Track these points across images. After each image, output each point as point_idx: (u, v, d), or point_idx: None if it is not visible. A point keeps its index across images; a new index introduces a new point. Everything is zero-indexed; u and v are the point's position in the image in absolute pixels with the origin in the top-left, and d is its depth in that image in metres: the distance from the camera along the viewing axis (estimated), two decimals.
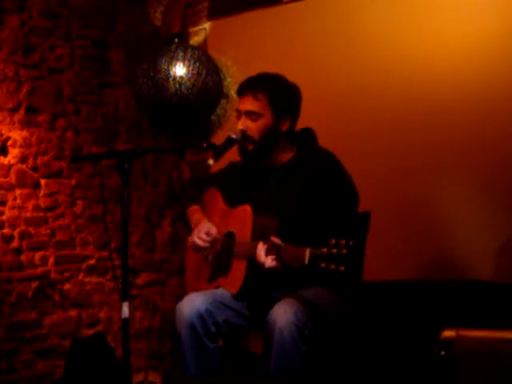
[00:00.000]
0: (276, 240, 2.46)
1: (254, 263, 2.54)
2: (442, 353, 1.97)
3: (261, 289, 2.67)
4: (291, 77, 2.81)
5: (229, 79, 3.95)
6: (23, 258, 3.76)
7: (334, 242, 2.23)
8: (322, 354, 2.59)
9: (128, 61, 4.17)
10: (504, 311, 2.66)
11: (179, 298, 2.89)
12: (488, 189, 3.17)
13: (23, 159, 3.78)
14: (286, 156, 2.77)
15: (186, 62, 3.72)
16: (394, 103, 3.41)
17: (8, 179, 3.73)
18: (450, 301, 2.78)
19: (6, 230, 3.70)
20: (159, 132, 4.22)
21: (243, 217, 2.68)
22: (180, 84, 3.70)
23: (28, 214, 3.79)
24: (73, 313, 3.92)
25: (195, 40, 4.19)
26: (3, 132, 3.71)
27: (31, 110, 3.81)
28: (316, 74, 3.64)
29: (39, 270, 3.82)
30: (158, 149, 4.22)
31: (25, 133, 3.78)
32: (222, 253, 2.79)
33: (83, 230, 3.99)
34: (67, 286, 3.91)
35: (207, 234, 2.73)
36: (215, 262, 2.83)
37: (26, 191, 3.79)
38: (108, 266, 4.03)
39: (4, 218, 3.70)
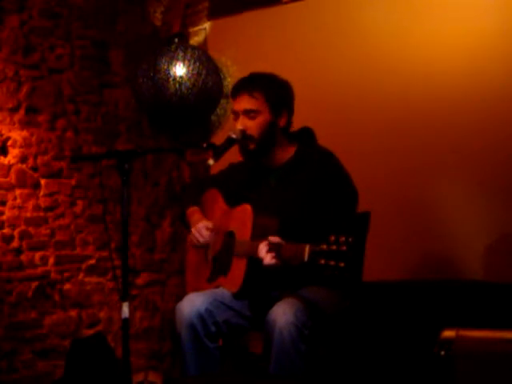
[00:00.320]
0: (275, 239, 2.46)
1: (253, 262, 2.54)
2: (442, 353, 1.97)
3: (261, 288, 2.67)
4: (291, 77, 2.81)
5: (229, 79, 3.95)
6: (23, 257, 3.76)
7: (333, 238, 2.23)
8: (321, 353, 2.60)
9: (128, 61, 4.17)
10: (504, 311, 2.66)
11: (179, 297, 2.89)
12: (488, 189, 3.17)
13: (23, 159, 3.78)
14: (286, 156, 2.77)
15: (186, 62, 3.72)
16: (394, 103, 3.40)
17: (8, 179, 3.73)
18: (450, 301, 2.78)
19: (6, 230, 3.71)
20: (159, 132, 4.22)
21: (243, 216, 2.68)
22: (180, 84, 3.70)
23: (28, 214, 3.79)
24: (73, 313, 3.92)
25: (195, 40, 4.19)
26: (3, 132, 3.71)
27: (31, 110, 3.82)
28: (316, 74, 3.64)
29: (39, 270, 3.82)
30: (158, 149, 4.23)
31: (25, 133, 3.78)
32: (222, 252, 2.79)
33: (83, 230, 3.99)
34: (67, 286, 3.91)
35: (206, 228, 2.74)
36: (215, 262, 2.83)
37: (25, 191, 3.79)
38: (108, 266, 4.03)
39: (4, 217, 3.70)
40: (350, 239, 2.20)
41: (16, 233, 3.75)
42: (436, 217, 3.30)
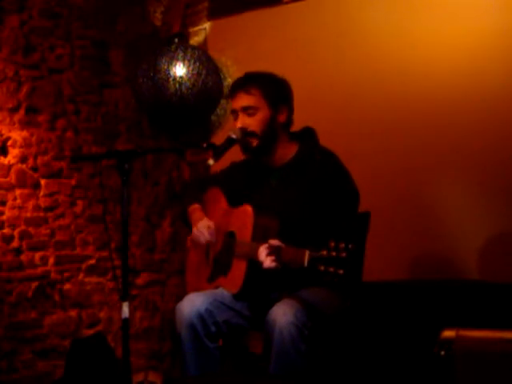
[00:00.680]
0: (275, 242, 2.46)
1: (254, 263, 2.54)
2: (442, 353, 1.97)
3: (261, 289, 2.67)
4: (291, 77, 2.81)
5: (229, 79, 3.95)
6: (23, 257, 3.76)
7: (333, 244, 2.23)
8: (321, 354, 2.60)
9: (128, 61, 4.17)
10: (504, 311, 2.66)
11: (179, 298, 2.89)
12: (488, 188, 3.17)
13: (23, 159, 3.78)
14: (287, 155, 2.77)
15: (186, 62, 3.72)
16: (394, 103, 3.41)
17: (8, 179, 3.73)
18: (450, 301, 2.78)
19: (6, 230, 3.71)
20: (159, 132, 4.22)
21: (244, 217, 2.68)
22: (180, 84, 3.70)
23: (28, 214, 3.79)
24: (73, 313, 3.92)
25: (195, 40, 4.19)
26: (3, 132, 3.71)
27: (31, 110, 3.82)
28: (316, 74, 3.64)
29: (39, 270, 3.82)
30: (158, 149, 4.23)
31: (25, 133, 3.78)
32: (223, 252, 2.79)
33: (83, 230, 3.99)
34: (67, 286, 3.91)
35: (208, 228, 2.74)
36: (215, 262, 2.83)
37: (25, 191, 3.79)
38: (108, 266, 4.03)
39: (4, 217, 3.70)
40: (350, 246, 2.20)
41: (16, 233, 3.75)
42: (436, 217, 3.30)
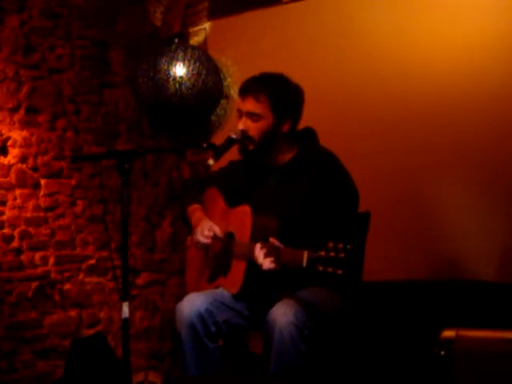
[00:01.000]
0: (275, 242, 2.46)
1: (253, 263, 2.54)
2: (442, 353, 1.97)
3: (261, 289, 2.67)
4: (291, 77, 2.80)
5: (229, 79, 3.95)
6: (23, 257, 3.76)
7: (331, 245, 2.23)
8: (321, 354, 2.60)
9: (128, 61, 4.17)
10: (504, 311, 2.66)
11: (179, 298, 2.89)
12: (489, 188, 3.17)
13: (23, 159, 3.78)
14: (287, 155, 2.77)
15: (186, 62, 3.72)
16: (394, 103, 3.41)
17: (8, 179, 3.73)
18: (450, 301, 2.78)
19: (6, 230, 3.71)
20: (159, 132, 4.22)
21: (242, 217, 2.68)
22: (180, 84, 3.70)
23: (28, 214, 3.79)
24: (73, 313, 3.92)
25: (195, 40, 4.19)
26: (3, 132, 3.71)
27: (31, 110, 3.82)
28: (316, 74, 3.64)
29: (39, 270, 3.82)
30: (158, 149, 4.23)
31: (25, 133, 3.78)
32: (222, 253, 2.79)
33: (83, 230, 3.99)
34: (67, 286, 3.91)
35: (210, 230, 2.74)
36: (215, 262, 2.83)
37: (26, 191, 3.79)
38: (108, 266, 4.03)
39: (4, 217, 3.70)
40: (349, 246, 2.21)
41: (16, 233, 3.75)
42: (436, 217, 3.30)
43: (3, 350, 3.65)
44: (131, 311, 3.99)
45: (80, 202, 3.98)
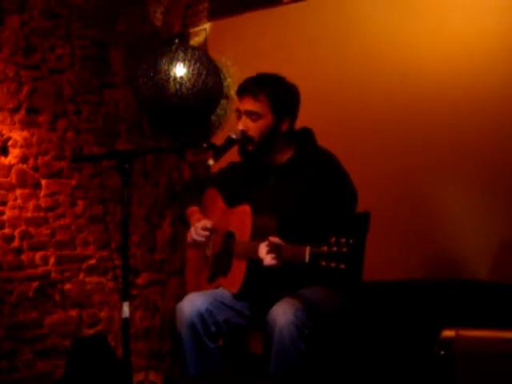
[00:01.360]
0: (275, 240, 2.46)
1: (253, 263, 2.54)
2: (442, 352, 1.97)
3: (261, 288, 2.67)
4: (291, 77, 2.81)
5: (229, 79, 3.95)
6: (24, 257, 3.77)
7: (334, 240, 2.23)
8: (321, 353, 2.60)
9: (128, 61, 4.17)
10: (503, 311, 2.67)
11: (179, 297, 2.90)
12: (488, 188, 3.17)
13: (24, 159, 3.78)
14: (286, 155, 2.78)
15: (187, 62, 3.72)
16: (394, 103, 3.41)
17: (9, 179, 3.73)
18: (450, 301, 2.78)
19: (6, 230, 3.71)
20: (159, 132, 4.22)
21: (242, 217, 2.68)
22: (180, 84, 3.70)
23: (28, 214, 3.79)
24: (73, 313, 3.92)
25: (195, 40, 4.19)
26: (4, 132, 3.71)
27: (32, 111, 3.82)
28: (316, 74, 3.64)
29: (40, 270, 3.82)
30: (158, 149, 4.23)
31: (25, 133, 3.79)
32: (222, 252, 2.80)
33: (84, 230, 3.99)
34: (68, 286, 3.91)
35: (203, 228, 2.74)
36: (215, 262, 2.83)
37: (26, 191, 3.79)
38: (108, 266, 4.03)
39: (5, 217, 3.70)
40: (351, 241, 2.20)
41: (16, 233, 3.75)
42: (436, 217, 3.30)
43: (4, 349, 3.65)
44: (131, 311, 3.97)
45: (80, 202, 3.98)
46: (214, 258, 2.84)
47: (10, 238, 3.72)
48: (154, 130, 4.24)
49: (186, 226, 2.92)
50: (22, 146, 3.77)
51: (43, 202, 3.85)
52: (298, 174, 2.71)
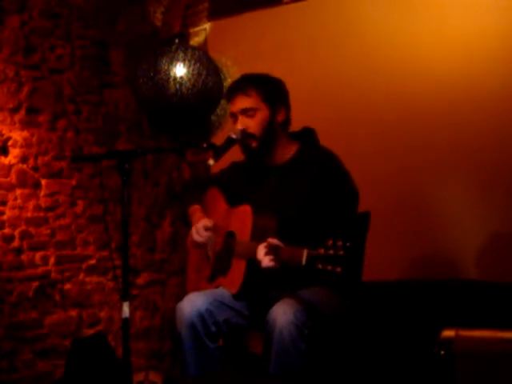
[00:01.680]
0: (274, 241, 2.46)
1: (253, 263, 2.55)
2: (442, 352, 1.97)
3: (260, 288, 2.67)
4: (291, 77, 2.82)
5: (229, 79, 3.95)
6: (24, 257, 3.77)
7: (330, 243, 2.24)
8: (321, 353, 2.60)
9: (128, 61, 4.17)
10: (504, 311, 2.67)
11: (179, 297, 2.90)
12: (488, 188, 3.17)
13: (24, 159, 3.78)
14: (287, 155, 2.78)
15: (187, 62, 3.72)
16: (394, 103, 3.41)
17: (9, 179, 3.73)
18: (450, 301, 2.78)
19: (6, 230, 3.71)
20: (159, 132, 4.22)
21: (243, 217, 2.68)
22: (180, 84, 3.70)
23: (28, 214, 3.79)
24: (73, 312, 3.92)
25: (195, 40, 4.20)
26: (4, 132, 3.71)
27: (32, 111, 3.82)
28: (316, 74, 3.65)
29: (40, 270, 3.82)
30: (158, 149, 4.23)
31: (25, 133, 3.79)
32: (222, 252, 2.80)
33: (84, 230, 3.99)
34: (68, 286, 3.91)
35: (205, 228, 2.74)
36: (216, 261, 2.84)
37: (26, 191, 3.79)
38: (108, 266, 4.03)
39: (4, 217, 3.70)
40: (348, 244, 2.21)
41: (16, 233, 3.75)
42: (436, 217, 3.30)
43: (4, 349, 3.65)
44: (131, 311, 3.98)
45: (80, 202, 3.98)
46: (215, 257, 2.84)
47: (9, 238, 3.72)
48: (153, 130, 4.24)
49: (188, 225, 2.92)
50: (22, 146, 3.77)
51: (43, 202, 3.85)
52: (299, 173, 2.71)
